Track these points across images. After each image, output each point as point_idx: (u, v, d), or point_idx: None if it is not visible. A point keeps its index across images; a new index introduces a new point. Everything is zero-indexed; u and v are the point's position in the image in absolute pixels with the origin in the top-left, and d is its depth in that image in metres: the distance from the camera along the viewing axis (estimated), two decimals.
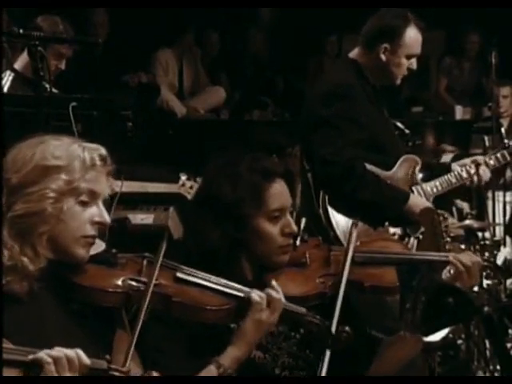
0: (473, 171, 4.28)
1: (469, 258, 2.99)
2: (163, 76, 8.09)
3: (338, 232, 3.98)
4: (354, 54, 4.23)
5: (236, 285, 2.56)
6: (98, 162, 2.37)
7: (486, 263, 3.20)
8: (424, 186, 4.21)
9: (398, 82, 4.21)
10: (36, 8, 5.98)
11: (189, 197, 4.07)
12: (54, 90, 4.43)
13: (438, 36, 8.99)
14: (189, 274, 2.52)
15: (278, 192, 2.75)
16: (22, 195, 2.28)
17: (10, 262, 2.26)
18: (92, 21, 7.31)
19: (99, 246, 2.44)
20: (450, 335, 4.49)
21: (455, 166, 4.31)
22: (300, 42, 9.07)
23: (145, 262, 2.46)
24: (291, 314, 2.60)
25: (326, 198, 4.04)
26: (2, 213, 2.28)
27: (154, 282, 2.38)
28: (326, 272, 2.78)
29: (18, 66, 4.93)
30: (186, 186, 4.07)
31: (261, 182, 2.72)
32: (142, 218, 4.34)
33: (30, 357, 2.07)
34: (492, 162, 4.40)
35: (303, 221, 2.88)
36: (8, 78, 4.89)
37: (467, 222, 5.13)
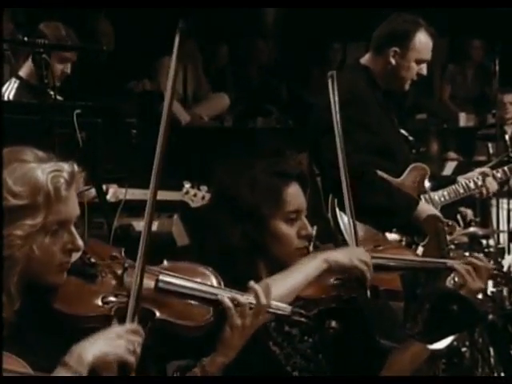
0: (480, 183, 4.30)
1: (479, 260, 3.00)
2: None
3: (347, 236, 3.98)
4: (364, 59, 4.25)
5: (222, 287, 2.46)
6: (64, 192, 2.15)
7: (495, 271, 3.20)
8: (432, 194, 4.21)
9: (407, 87, 4.22)
10: (36, 8, 6.01)
11: (192, 204, 4.08)
12: (58, 98, 4.45)
13: (442, 43, 9.00)
14: (171, 283, 2.38)
15: (295, 194, 2.79)
16: None
17: None
18: (97, 29, 7.33)
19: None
20: (454, 343, 4.47)
21: (461, 179, 4.32)
22: (304, 50, 9.08)
23: (125, 275, 2.33)
24: (276, 315, 2.52)
25: (336, 201, 4.04)
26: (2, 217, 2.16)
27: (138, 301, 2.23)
28: (340, 276, 2.80)
29: (23, 73, 4.94)
30: (190, 193, 4.08)
31: (278, 184, 2.75)
32: None
33: None
34: (499, 175, 4.42)
35: (315, 228, 2.89)
36: (13, 86, 4.91)
37: (471, 229, 5.12)
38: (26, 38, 3.49)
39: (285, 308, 2.51)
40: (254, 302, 2.43)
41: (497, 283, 4.50)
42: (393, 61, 4.15)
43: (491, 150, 5.98)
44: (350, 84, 4.14)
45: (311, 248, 2.82)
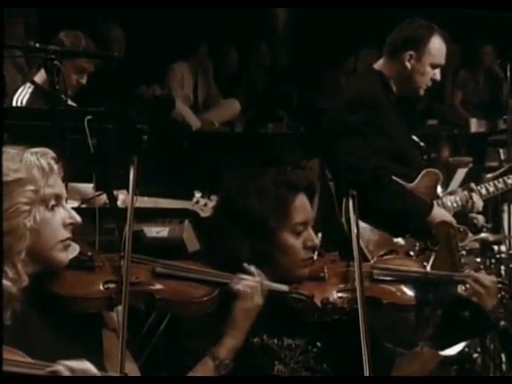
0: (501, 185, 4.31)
1: (488, 278, 2.97)
2: (178, 89, 8.12)
3: (361, 240, 3.95)
4: (378, 64, 4.25)
5: (218, 272, 2.59)
6: (55, 166, 2.37)
7: (500, 285, 3.17)
8: (444, 200, 4.21)
9: (422, 92, 4.22)
10: (49, 16, 6.02)
11: (202, 214, 4.06)
12: (72, 103, 4.45)
13: (453, 49, 8.98)
14: (168, 267, 2.54)
15: (302, 206, 2.78)
16: None
17: None
18: (108, 36, 7.34)
19: (74, 249, 2.44)
20: (466, 349, 4.46)
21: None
22: (315, 55, 9.07)
23: (122, 262, 2.45)
24: (275, 293, 2.63)
25: (350, 205, 4.02)
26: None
27: (128, 282, 2.36)
28: (344, 287, 2.78)
29: (38, 79, 4.96)
30: (200, 203, 4.06)
31: (286, 196, 2.74)
32: (157, 230, 4.34)
33: (48, 369, 2.06)
34: (510, 182, 4.42)
35: (319, 235, 2.88)
36: (27, 91, 4.93)
37: (483, 235, 5.09)
38: (37, 45, 3.50)
39: (282, 286, 2.64)
40: (258, 281, 2.58)
41: (502, 297, 4.46)
42: (408, 65, 4.16)
43: (502, 156, 5.96)
44: (365, 87, 4.14)
45: (315, 257, 2.81)
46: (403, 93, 4.23)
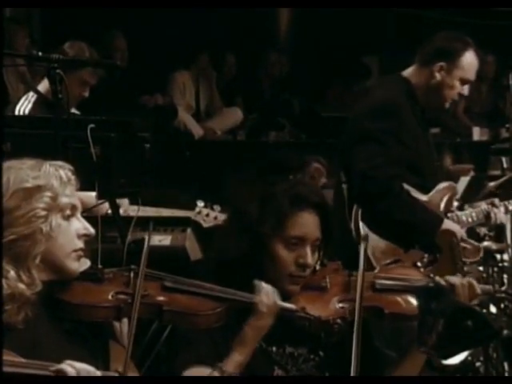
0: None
1: (457, 278, 2.91)
2: (180, 97, 8.13)
3: (368, 248, 3.93)
4: (406, 72, 4.19)
5: (225, 288, 2.61)
6: (72, 177, 2.44)
7: (503, 295, 3.14)
8: (459, 214, 4.16)
9: (447, 105, 4.18)
10: (53, 25, 6.03)
11: (204, 224, 4.05)
12: (75, 112, 4.45)
13: None
14: (177, 282, 2.56)
15: (304, 221, 2.75)
16: (9, 221, 2.30)
17: (7, 290, 2.28)
18: (111, 45, 7.36)
19: (85, 263, 2.49)
20: (469, 357, 4.45)
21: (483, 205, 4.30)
22: (318, 64, 9.09)
23: (132, 275, 2.50)
24: (284, 311, 2.64)
25: (359, 212, 3.99)
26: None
27: (139, 292, 2.41)
28: (346, 297, 2.77)
29: (41, 88, 4.96)
30: (202, 213, 4.04)
31: (288, 208, 2.74)
32: (159, 239, 4.33)
33: (52, 368, 2.10)
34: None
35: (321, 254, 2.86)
36: (30, 100, 4.93)
37: (485, 243, 5.08)
38: (40, 53, 3.50)
39: (290, 305, 2.65)
40: (275, 302, 2.60)
41: (505, 307, 4.43)
42: (438, 75, 4.11)
43: (505, 165, 5.96)
44: (390, 96, 4.08)
45: (318, 267, 2.80)
46: (428, 104, 4.16)
